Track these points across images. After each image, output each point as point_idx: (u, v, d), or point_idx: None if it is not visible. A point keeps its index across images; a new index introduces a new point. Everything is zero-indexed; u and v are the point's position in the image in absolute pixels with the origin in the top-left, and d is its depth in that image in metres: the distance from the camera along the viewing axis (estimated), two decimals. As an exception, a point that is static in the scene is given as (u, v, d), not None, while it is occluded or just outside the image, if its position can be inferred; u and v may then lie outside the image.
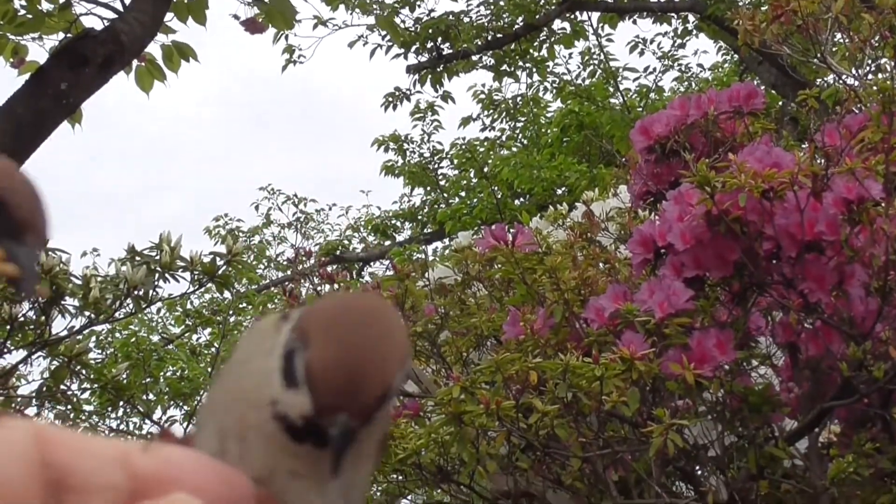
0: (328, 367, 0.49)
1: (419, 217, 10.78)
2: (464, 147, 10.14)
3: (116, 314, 3.38)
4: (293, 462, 0.52)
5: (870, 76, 3.43)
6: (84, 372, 3.83)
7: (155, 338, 7.91)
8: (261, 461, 0.51)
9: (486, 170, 9.79)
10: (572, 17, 9.40)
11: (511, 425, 2.44)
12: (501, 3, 9.18)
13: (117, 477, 0.39)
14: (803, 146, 2.82)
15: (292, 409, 0.50)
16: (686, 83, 10.95)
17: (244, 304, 8.17)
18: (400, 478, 2.82)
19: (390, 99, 9.43)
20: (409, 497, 3.28)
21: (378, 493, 3.39)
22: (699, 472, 2.81)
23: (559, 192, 8.85)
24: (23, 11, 4.53)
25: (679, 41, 10.42)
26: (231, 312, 8.12)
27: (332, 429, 0.48)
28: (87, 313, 3.26)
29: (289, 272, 6.83)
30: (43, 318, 3.23)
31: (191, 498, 0.39)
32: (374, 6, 8.40)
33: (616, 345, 2.37)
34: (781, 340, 2.63)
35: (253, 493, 0.44)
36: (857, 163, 2.35)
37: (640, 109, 9.82)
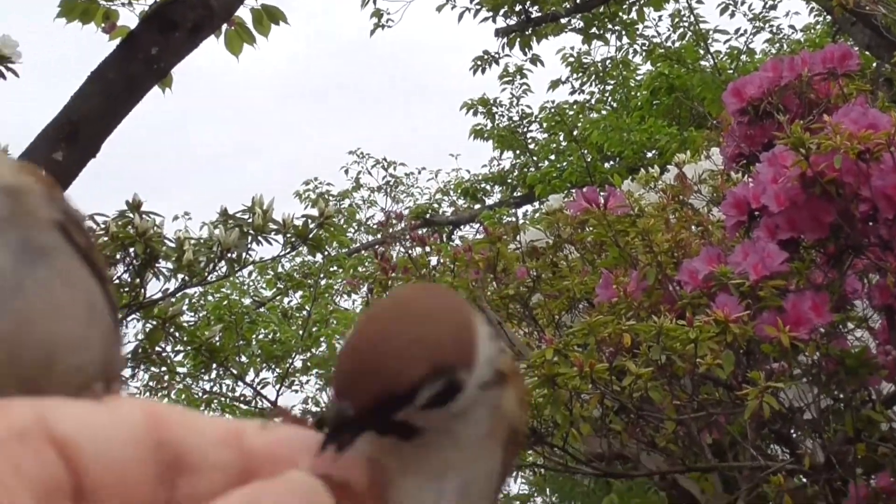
0: (344, 353, 0.48)
1: (508, 180, 10.71)
2: (553, 110, 10.02)
3: (209, 277, 3.43)
4: (383, 454, 0.50)
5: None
6: (178, 334, 3.91)
7: (247, 301, 8.01)
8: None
9: (575, 133, 9.65)
10: (662, -22, 9.25)
11: (604, 388, 2.44)
12: (590, -34, 9.06)
13: (230, 456, 0.40)
14: None
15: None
16: (777, 45, 10.66)
17: (335, 268, 8.22)
18: None
19: (479, 62, 9.38)
20: None
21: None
22: (795, 435, 2.79)
23: (649, 155, 8.72)
24: (113, -23, 4.58)
25: (770, 2, 10.16)
26: (322, 276, 8.16)
27: (331, 412, 0.47)
28: (180, 276, 3.32)
29: (379, 235, 6.87)
30: (137, 280, 3.30)
31: (305, 476, 0.40)
32: (463, -31, 8.37)
33: (710, 307, 2.36)
34: (878, 303, 2.59)
35: (365, 476, 0.44)
36: None
37: (731, 71, 9.59)
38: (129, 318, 3.51)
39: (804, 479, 2.88)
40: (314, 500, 0.39)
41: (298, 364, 7.24)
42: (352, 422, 0.46)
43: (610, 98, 10.62)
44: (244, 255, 3.34)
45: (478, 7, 8.64)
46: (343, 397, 0.46)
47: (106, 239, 3.16)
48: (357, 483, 0.43)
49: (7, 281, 0.51)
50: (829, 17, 9.52)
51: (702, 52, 10.14)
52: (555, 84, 10.20)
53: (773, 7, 10.18)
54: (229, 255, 3.27)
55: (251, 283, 8.62)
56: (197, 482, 0.38)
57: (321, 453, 0.44)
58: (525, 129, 10.31)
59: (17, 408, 0.37)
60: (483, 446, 0.52)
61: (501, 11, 8.85)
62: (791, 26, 10.68)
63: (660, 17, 10.02)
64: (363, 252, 8.76)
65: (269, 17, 4.62)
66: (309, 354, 7.30)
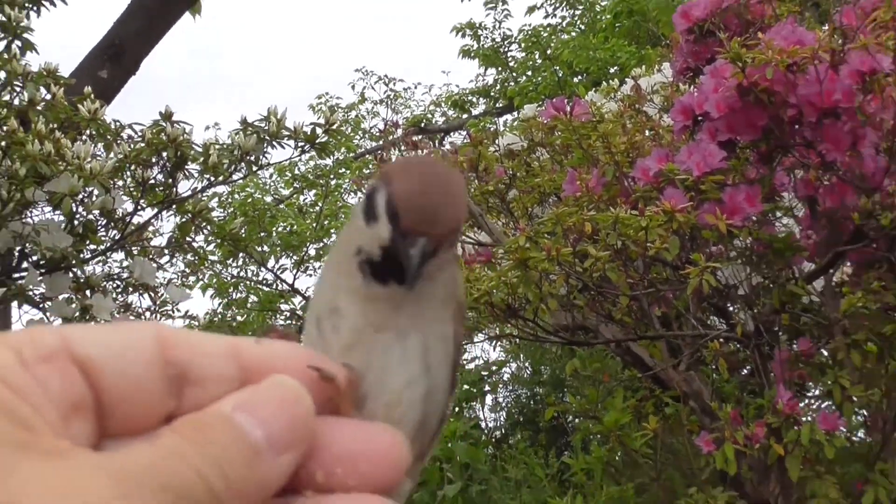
0: (413, 196, 0.47)
1: (491, 94, 10.54)
2: (529, 33, 9.87)
3: (233, 177, 3.38)
4: (375, 312, 0.50)
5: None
6: (207, 227, 3.86)
7: (268, 199, 7.93)
8: (350, 324, 0.50)
9: (549, 52, 9.53)
10: None
11: (569, 269, 2.44)
12: None
13: (229, 368, 0.39)
14: (824, 27, 2.69)
15: (372, 242, 0.48)
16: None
17: (343, 170, 8.16)
18: (475, 315, 2.80)
19: (466, -10, 9.17)
20: (483, 331, 3.30)
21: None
22: (730, 308, 2.79)
23: (612, 70, 8.56)
24: None
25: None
26: (332, 177, 8.14)
27: (413, 249, 0.46)
28: (207, 176, 3.27)
29: (380, 142, 6.78)
30: (170, 180, 3.25)
31: (288, 378, 0.39)
32: None
33: (659, 199, 2.36)
34: (802, 194, 2.58)
35: (344, 373, 0.43)
36: (870, 39, 2.26)
37: (683, -4, 9.38)
38: (164, 214, 3.49)
39: (737, 345, 2.90)
40: (295, 396, 0.39)
41: (312, 252, 7.21)
42: (431, 254, 0.46)
43: (579, 21, 10.38)
44: (261, 157, 3.30)
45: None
46: (420, 232, 0.46)
47: (142, 145, 3.11)
48: (339, 377, 0.42)
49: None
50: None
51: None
52: (531, 9, 10.00)
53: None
54: (248, 157, 3.23)
55: (272, 184, 8.51)
56: (201, 392, 0.38)
57: (409, 286, 0.47)
58: (506, 50, 10.14)
59: (44, 333, 0.36)
60: (438, 312, 0.52)
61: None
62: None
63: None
64: (367, 156, 8.65)
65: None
66: (321, 244, 7.26)
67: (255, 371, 0.39)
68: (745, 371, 3.06)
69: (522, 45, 10.09)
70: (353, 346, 0.49)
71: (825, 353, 2.61)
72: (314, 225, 7.35)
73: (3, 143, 2.73)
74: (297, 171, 8.24)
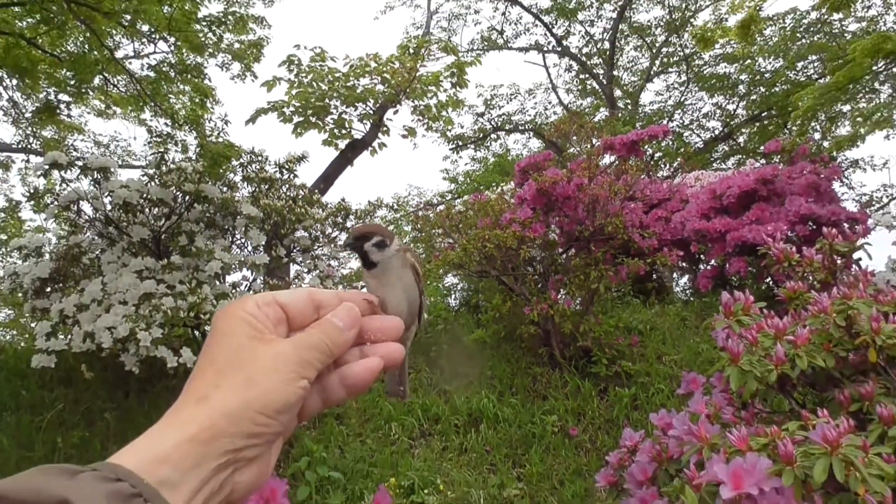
0: (356, 230, 1.04)
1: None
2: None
3: None
4: (375, 278, 1.03)
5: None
6: None
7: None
8: (371, 284, 1.03)
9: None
10: None
11: (480, 250, 6.76)
12: None
13: (334, 301, 0.82)
14: (567, 167, 7.20)
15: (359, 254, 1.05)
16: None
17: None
18: (447, 266, 7.09)
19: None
20: (450, 273, 7.44)
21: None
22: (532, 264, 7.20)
23: (492, 185, 14.58)
24: None
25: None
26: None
27: (360, 251, 1.03)
28: None
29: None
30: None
31: (349, 303, 0.82)
32: None
33: (510, 227, 6.75)
34: (559, 224, 7.11)
35: (377, 299, 0.92)
36: (582, 174, 6.78)
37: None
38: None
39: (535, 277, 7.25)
40: (352, 309, 0.83)
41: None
42: (352, 244, 1.03)
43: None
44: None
45: None
46: (359, 242, 1.03)
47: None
48: (375, 301, 0.91)
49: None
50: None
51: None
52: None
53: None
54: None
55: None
56: (324, 311, 0.81)
57: (367, 266, 1.03)
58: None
59: (266, 294, 0.77)
60: (403, 270, 1.05)
61: None
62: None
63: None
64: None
65: None
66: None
67: (344, 300, 0.83)
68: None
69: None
70: (376, 289, 1.01)
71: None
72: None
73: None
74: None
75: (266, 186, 6.54)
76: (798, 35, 17.13)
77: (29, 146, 14.89)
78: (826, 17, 16.05)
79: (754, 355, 2.06)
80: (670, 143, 18.67)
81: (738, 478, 1.66)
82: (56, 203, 5.83)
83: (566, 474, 5.64)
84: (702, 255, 9.14)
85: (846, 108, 14.47)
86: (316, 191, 7.19)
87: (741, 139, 19.92)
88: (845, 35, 16.28)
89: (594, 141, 7.49)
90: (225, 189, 6.14)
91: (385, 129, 8.24)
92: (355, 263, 7.43)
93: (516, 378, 6.94)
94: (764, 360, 2.04)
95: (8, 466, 5.23)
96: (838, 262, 2.57)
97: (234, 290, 5.55)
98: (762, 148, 13.36)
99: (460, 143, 20.28)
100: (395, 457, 5.83)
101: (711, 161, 19.50)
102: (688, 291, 10.51)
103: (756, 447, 1.76)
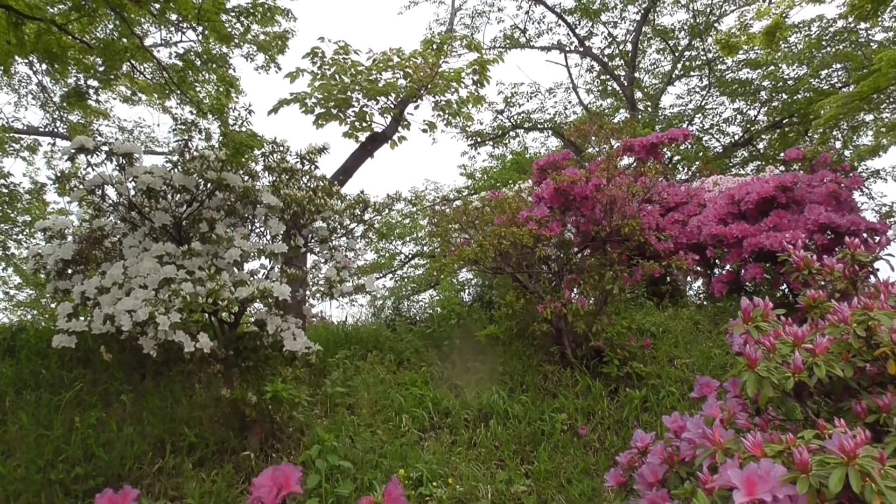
0: None
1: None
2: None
3: None
4: None
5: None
6: None
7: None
8: None
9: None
10: None
11: (496, 247, 6.80)
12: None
13: None
14: (585, 168, 7.20)
15: None
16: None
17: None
18: (462, 262, 7.17)
19: None
20: (465, 268, 7.65)
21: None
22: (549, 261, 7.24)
23: (510, 183, 14.22)
24: None
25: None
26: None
27: None
28: None
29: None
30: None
31: None
32: None
33: (527, 225, 6.75)
34: (575, 224, 7.07)
35: None
36: (601, 175, 6.76)
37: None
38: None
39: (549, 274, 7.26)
40: None
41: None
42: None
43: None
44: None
45: None
46: None
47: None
48: None
49: None
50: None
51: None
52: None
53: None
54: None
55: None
56: None
57: None
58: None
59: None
60: None
61: None
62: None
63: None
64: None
65: None
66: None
67: None
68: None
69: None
70: None
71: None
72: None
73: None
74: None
75: (287, 177, 6.64)
76: (823, 43, 17.00)
77: (55, 130, 15.04)
78: (853, 25, 15.92)
79: (771, 362, 2.05)
80: (689, 146, 18.59)
81: (751, 483, 1.65)
82: (81, 186, 5.90)
83: (574, 473, 5.68)
84: (717, 260, 9.11)
85: (869, 117, 14.37)
86: (335, 182, 7.26)
87: (761, 145, 19.83)
88: (871, 44, 16.15)
89: (613, 142, 7.52)
90: (246, 178, 6.24)
91: (405, 123, 8.29)
92: (370, 255, 7.54)
93: (527, 375, 6.99)
94: (781, 367, 2.03)
95: (27, 443, 5.31)
96: (859, 272, 2.55)
97: (252, 278, 5.59)
98: (782, 155, 13.31)
99: (479, 140, 20.42)
100: (404, 448, 5.86)
101: (730, 166, 19.44)
102: (702, 296, 10.51)
103: (771, 454, 1.75)
